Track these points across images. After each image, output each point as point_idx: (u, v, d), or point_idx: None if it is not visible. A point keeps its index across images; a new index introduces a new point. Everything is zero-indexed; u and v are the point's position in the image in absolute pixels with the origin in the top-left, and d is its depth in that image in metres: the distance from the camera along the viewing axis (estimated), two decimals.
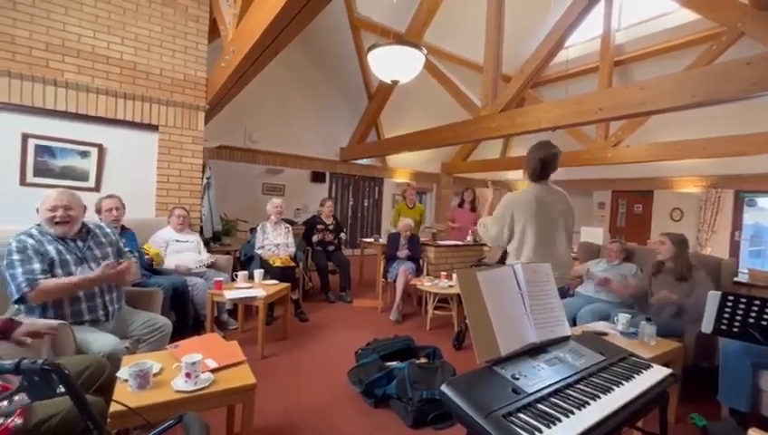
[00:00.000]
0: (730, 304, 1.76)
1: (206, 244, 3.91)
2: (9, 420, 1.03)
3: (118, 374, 1.45)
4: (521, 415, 0.95)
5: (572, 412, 0.97)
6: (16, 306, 1.80)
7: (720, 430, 2.07)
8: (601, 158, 6.88)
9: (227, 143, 6.49)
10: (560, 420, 0.93)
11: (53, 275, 1.81)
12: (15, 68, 2.95)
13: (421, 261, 4.55)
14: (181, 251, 3.27)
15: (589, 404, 1.01)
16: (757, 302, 1.70)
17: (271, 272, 3.55)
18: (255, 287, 3.07)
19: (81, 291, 1.86)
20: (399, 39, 5.69)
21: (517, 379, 1.07)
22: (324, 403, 2.29)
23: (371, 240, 5.63)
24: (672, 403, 2.15)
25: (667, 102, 3.13)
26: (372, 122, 7.57)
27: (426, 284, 3.82)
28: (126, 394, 1.33)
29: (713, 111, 5.27)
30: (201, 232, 3.98)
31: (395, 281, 4.13)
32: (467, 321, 1.16)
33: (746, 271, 3.47)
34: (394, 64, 3.72)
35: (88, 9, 3.23)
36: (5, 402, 1.00)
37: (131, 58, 3.45)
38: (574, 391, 1.07)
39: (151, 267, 3.00)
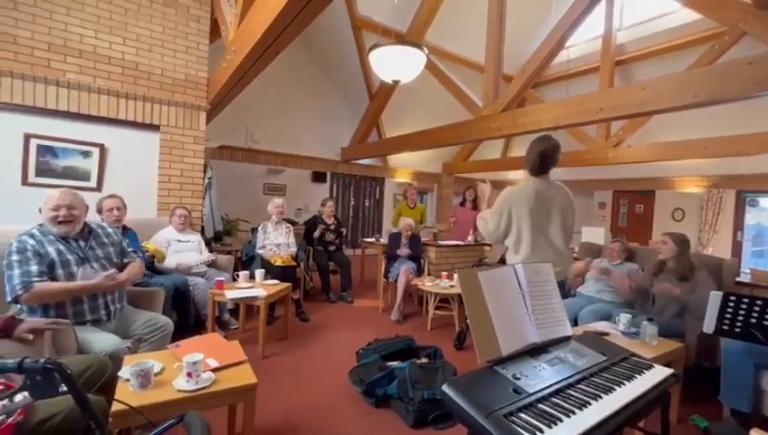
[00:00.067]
0: (732, 304, 1.75)
1: (208, 244, 3.92)
2: (11, 419, 1.03)
3: (119, 374, 1.45)
4: (522, 415, 0.95)
5: (574, 412, 0.97)
6: (18, 306, 1.80)
7: (721, 431, 2.07)
8: (602, 158, 6.87)
9: (229, 143, 6.50)
10: (561, 420, 0.93)
11: (54, 276, 1.81)
12: (17, 68, 2.96)
13: (422, 261, 4.55)
14: (182, 251, 3.28)
15: (590, 404, 1.01)
16: (759, 302, 1.70)
17: (272, 272, 3.56)
18: (256, 287, 3.07)
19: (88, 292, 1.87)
20: (401, 39, 5.70)
21: (518, 379, 1.07)
22: (325, 403, 2.29)
23: (372, 240, 5.63)
24: (674, 403, 2.15)
25: (668, 102, 3.13)
26: (373, 122, 7.57)
27: (427, 284, 3.82)
28: (127, 393, 1.33)
29: (714, 111, 5.26)
30: (202, 232, 3.98)
31: (396, 281, 4.13)
32: (468, 321, 1.16)
33: (748, 271, 3.46)
34: (395, 64, 3.72)
35: (90, 9, 3.24)
36: (7, 401, 1.00)
37: (133, 58, 3.46)
38: (575, 391, 1.07)
39: (152, 266, 3.01)
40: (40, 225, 1.90)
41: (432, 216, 9.65)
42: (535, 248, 2.04)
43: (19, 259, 1.74)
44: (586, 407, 1.00)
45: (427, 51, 3.76)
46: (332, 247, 4.77)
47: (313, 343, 3.26)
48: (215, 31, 3.89)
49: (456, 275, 3.86)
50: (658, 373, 1.22)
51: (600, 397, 1.05)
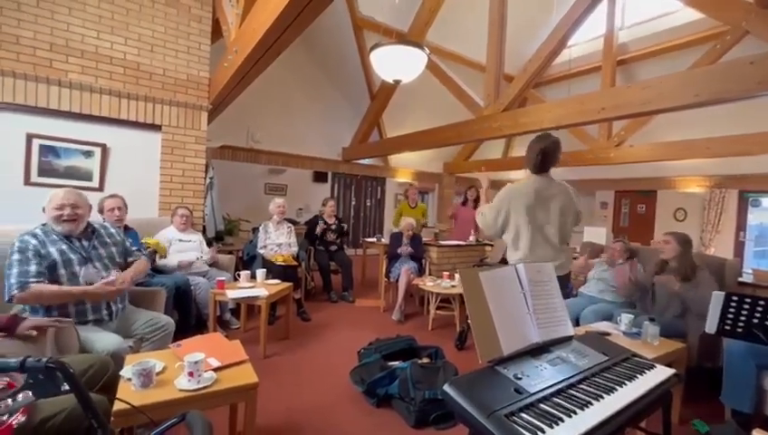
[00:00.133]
0: (734, 304, 1.74)
1: (209, 243, 3.92)
2: (13, 418, 1.03)
3: (121, 373, 1.46)
4: (523, 415, 0.95)
5: (575, 412, 0.97)
6: (21, 306, 1.81)
7: (723, 433, 2.06)
8: (604, 158, 6.86)
9: (230, 143, 6.51)
10: (562, 420, 0.93)
11: (56, 277, 1.82)
12: (20, 68, 2.97)
13: (423, 261, 4.54)
14: (184, 251, 3.28)
15: (591, 404, 1.01)
16: (762, 302, 1.69)
17: (273, 271, 3.56)
18: (258, 287, 3.07)
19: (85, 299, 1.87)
20: (402, 39, 5.69)
21: (520, 379, 1.07)
22: (326, 403, 2.30)
23: (373, 240, 5.63)
24: (675, 404, 2.14)
25: (670, 102, 3.12)
26: (374, 122, 7.57)
27: (428, 283, 3.82)
28: (129, 393, 1.33)
29: (716, 111, 5.25)
30: (204, 232, 3.99)
31: (397, 281, 4.13)
32: (470, 321, 1.16)
33: (750, 271, 3.44)
34: (396, 64, 3.72)
35: (91, 10, 3.25)
36: (10, 400, 1.01)
37: (135, 58, 3.47)
38: (577, 391, 1.07)
39: (153, 265, 3.01)
40: (43, 224, 1.91)
41: (433, 216, 9.64)
42: (534, 246, 2.05)
43: (19, 259, 1.75)
44: (587, 407, 1.00)
45: (428, 50, 3.76)
46: (334, 247, 4.78)
47: (315, 342, 3.27)
48: (216, 31, 3.90)
49: (457, 275, 3.86)
50: (660, 373, 1.21)
51: (602, 397, 1.05)
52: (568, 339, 1.34)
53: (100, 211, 2.81)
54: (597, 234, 4.44)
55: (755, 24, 3.91)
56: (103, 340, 1.76)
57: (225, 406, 1.69)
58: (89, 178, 3.35)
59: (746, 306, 1.72)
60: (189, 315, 3.01)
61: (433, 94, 6.72)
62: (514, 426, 0.90)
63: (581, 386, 1.10)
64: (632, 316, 2.24)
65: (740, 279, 2.94)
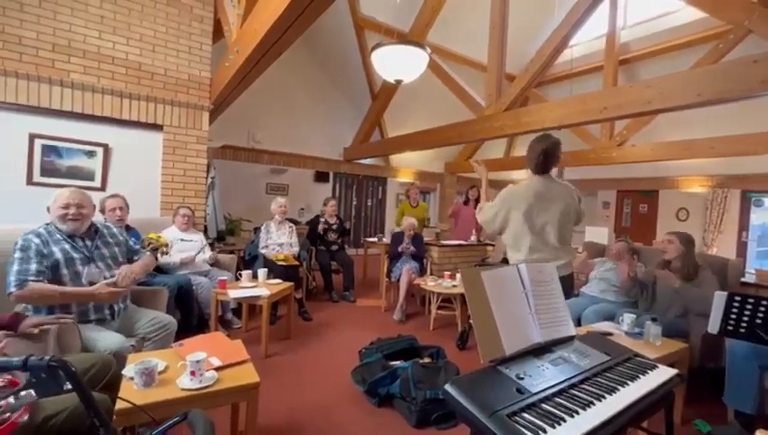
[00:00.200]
0: (737, 304, 1.74)
1: (211, 243, 3.93)
2: (15, 415, 1.04)
3: (123, 372, 1.46)
4: (525, 415, 0.95)
5: (577, 412, 0.96)
6: (24, 305, 1.82)
7: (725, 434, 2.05)
8: (606, 157, 6.84)
9: (231, 143, 6.52)
10: (564, 420, 0.93)
11: (59, 276, 1.82)
12: (22, 69, 2.98)
13: (425, 260, 4.54)
14: (185, 250, 3.29)
15: (594, 404, 1.01)
16: (765, 302, 1.69)
17: (275, 271, 3.56)
18: (259, 286, 3.08)
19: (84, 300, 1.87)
20: (403, 38, 5.67)
21: (522, 378, 1.07)
22: (328, 402, 2.30)
23: (375, 240, 5.63)
24: (677, 404, 2.14)
25: (673, 101, 3.11)
26: (376, 122, 7.57)
27: (429, 283, 3.81)
28: (132, 392, 1.34)
29: (719, 110, 5.23)
30: (205, 231, 4.00)
31: (398, 280, 4.13)
32: (471, 320, 1.16)
33: (753, 271, 3.44)
34: (398, 64, 3.72)
35: (93, 10, 3.25)
36: (12, 398, 1.01)
37: (136, 58, 3.48)
38: (579, 392, 1.07)
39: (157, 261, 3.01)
40: (47, 224, 1.92)
41: (435, 216, 9.64)
42: (534, 247, 2.06)
43: (21, 257, 1.76)
44: (589, 407, 0.99)
45: (429, 50, 3.76)
46: (335, 247, 4.78)
47: (316, 342, 3.27)
48: (218, 31, 3.91)
49: (458, 275, 3.86)
50: (662, 374, 1.21)
51: (604, 397, 1.04)
52: (570, 339, 1.34)
53: (102, 211, 2.81)
54: (599, 234, 4.44)
55: (758, 24, 3.89)
56: (106, 339, 1.77)
57: (226, 405, 1.69)
58: (91, 177, 3.36)
59: (749, 307, 1.72)
60: (191, 315, 3.02)
61: (434, 94, 6.71)
62: (516, 426, 0.90)
63: (583, 386, 1.10)
64: (634, 316, 2.23)
65: (743, 279, 2.93)
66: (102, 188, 3.36)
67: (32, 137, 3.12)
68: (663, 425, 1.27)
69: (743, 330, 1.74)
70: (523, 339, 1.20)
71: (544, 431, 0.89)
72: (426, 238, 4.91)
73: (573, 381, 1.11)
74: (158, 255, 2.29)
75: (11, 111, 3.03)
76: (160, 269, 3.10)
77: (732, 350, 2.09)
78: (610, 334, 2.04)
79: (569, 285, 2.13)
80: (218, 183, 4.82)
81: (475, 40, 6.08)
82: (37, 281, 1.74)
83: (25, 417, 1.09)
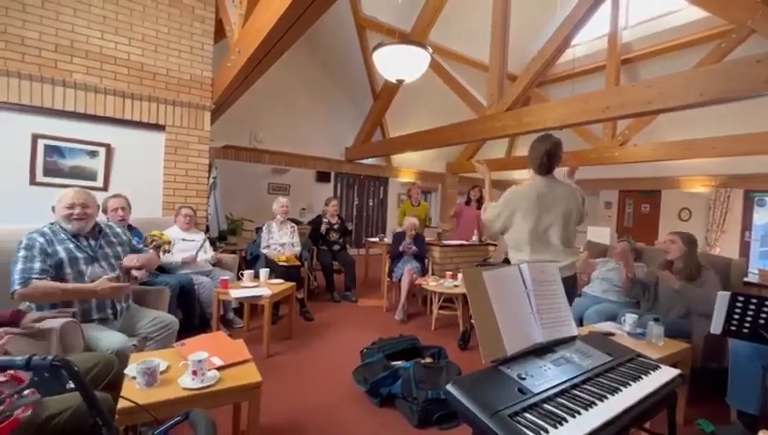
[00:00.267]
0: (740, 304, 1.73)
1: (213, 243, 3.94)
2: (18, 411, 1.04)
3: (126, 371, 1.46)
4: (527, 415, 0.95)
5: (579, 413, 0.96)
6: (27, 303, 1.83)
7: (729, 434, 2.04)
8: (608, 157, 6.82)
9: (233, 143, 6.53)
10: (566, 421, 0.93)
11: (62, 275, 1.83)
12: (25, 69, 2.99)
13: (426, 260, 4.54)
14: (187, 250, 3.30)
15: (596, 405, 1.01)
16: None
17: (276, 271, 3.57)
18: (261, 286, 3.08)
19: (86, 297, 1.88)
20: (405, 38, 5.68)
21: (523, 379, 1.07)
22: (329, 402, 2.30)
23: (376, 240, 5.63)
24: (680, 405, 2.13)
25: (675, 101, 3.10)
26: (377, 122, 7.57)
27: (431, 283, 3.81)
28: (134, 391, 1.34)
29: (721, 110, 5.22)
30: (207, 231, 4.01)
31: (400, 280, 4.12)
32: (473, 320, 1.16)
33: (756, 271, 3.42)
34: (399, 64, 3.72)
35: (96, 10, 3.26)
36: (16, 397, 1.02)
37: (138, 59, 3.49)
38: (581, 392, 1.07)
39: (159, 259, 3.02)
40: (51, 223, 1.94)
41: (436, 216, 9.64)
42: (536, 247, 2.06)
43: (25, 255, 1.78)
44: (592, 407, 0.99)
45: (431, 50, 3.76)
46: (336, 247, 4.78)
47: (317, 342, 3.27)
48: (219, 31, 3.91)
49: (460, 275, 3.85)
50: (665, 374, 1.21)
51: (606, 397, 1.04)
52: (572, 339, 1.33)
53: (104, 211, 2.82)
54: (601, 234, 4.43)
55: (761, 23, 3.87)
56: (108, 338, 1.77)
57: (228, 405, 1.70)
58: (93, 177, 3.37)
59: (752, 307, 1.71)
60: (193, 314, 3.03)
61: (436, 94, 6.71)
62: (518, 426, 0.90)
63: (585, 386, 1.10)
64: (636, 316, 2.23)
65: (746, 279, 2.92)
66: (105, 188, 3.37)
67: (35, 137, 3.13)
68: (666, 426, 1.27)
69: (746, 330, 1.73)
70: (524, 339, 1.20)
71: (546, 432, 0.89)
72: (427, 238, 4.91)
73: (575, 381, 1.11)
74: (161, 252, 2.30)
75: (14, 112, 3.04)
76: (162, 269, 3.11)
77: (735, 350, 2.08)
78: (612, 335, 2.03)
79: (572, 287, 2.13)
80: (220, 183, 4.83)
81: (477, 40, 6.07)
82: (41, 279, 1.75)
83: (28, 412, 1.10)
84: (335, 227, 4.79)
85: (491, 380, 1.08)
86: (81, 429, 1.21)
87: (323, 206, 4.96)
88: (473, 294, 1.17)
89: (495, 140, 8.08)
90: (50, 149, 3.20)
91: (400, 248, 4.35)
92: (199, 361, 1.41)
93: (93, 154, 3.38)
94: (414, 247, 4.36)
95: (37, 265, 1.77)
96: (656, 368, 1.24)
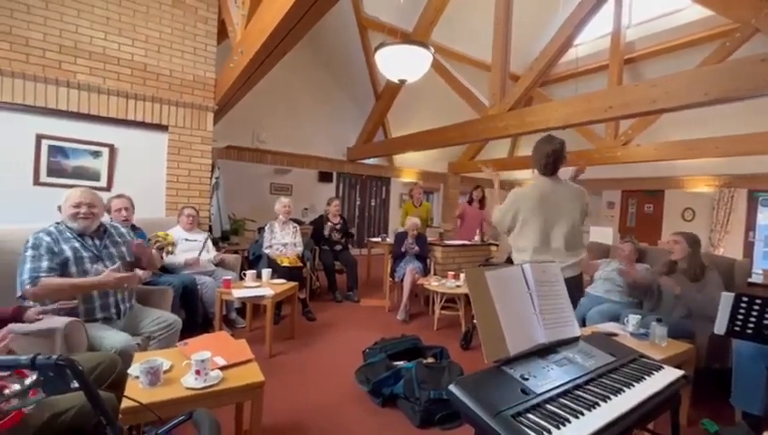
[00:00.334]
0: (744, 305, 1.72)
1: (215, 243, 3.95)
2: (23, 407, 1.05)
3: (129, 371, 1.47)
4: (530, 415, 0.95)
5: (582, 413, 0.96)
6: (30, 302, 1.84)
7: None
8: (611, 157, 6.80)
9: (236, 143, 6.54)
10: (569, 422, 0.93)
11: (67, 274, 1.84)
12: (29, 70, 3.01)
13: (428, 260, 4.54)
14: (190, 250, 3.31)
15: (599, 405, 1.00)
16: None
17: (278, 271, 3.57)
18: (263, 286, 3.09)
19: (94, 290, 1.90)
20: (407, 38, 5.68)
21: (526, 379, 1.07)
22: (332, 402, 2.30)
23: (378, 240, 5.63)
24: (684, 406, 2.12)
25: (679, 100, 3.08)
26: (379, 122, 7.57)
27: (433, 283, 3.81)
28: (137, 390, 1.35)
29: (725, 109, 5.18)
30: (210, 231, 4.02)
31: (402, 280, 4.12)
32: (475, 321, 1.16)
33: (760, 272, 3.41)
34: (401, 63, 3.72)
35: (99, 12, 3.28)
36: (18, 386, 1.02)
37: (142, 59, 3.50)
38: (584, 392, 1.06)
39: (162, 260, 3.03)
40: (57, 223, 1.95)
41: (438, 216, 9.63)
42: (539, 248, 2.06)
43: (33, 254, 1.79)
44: (594, 408, 0.99)
45: (433, 50, 3.75)
46: (338, 247, 4.78)
47: (320, 342, 3.27)
48: (222, 32, 3.92)
49: (462, 275, 3.85)
50: (668, 375, 1.20)
51: (609, 398, 1.04)
52: (575, 340, 1.33)
53: (108, 211, 2.83)
54: (603, 234, 4.41)
55: (765, 22, 3.84)
56: (111, 338, 1.78)
57: (231, 405, 1.70)
58: (97, 178, 3.39)
59: (756, 307, 1.70)
60: (196, 314, 3.03)
61: (438, 94, 6.70)
62: (521, 426, 0.90)
63: (588, 387, 1.10)
64: (639, 317, 2.22)
65: (749, 280, 2.90)
66: (108, 189, 3.39)
67: (38, 137, 3.14)
68: (669, 427, 1.26)
69: (749, 331, 1.73)
70: (527, 339, 1.20)
71: (549, 432, 0.89)
72: (429, 238, 4.91)
73: (578, 382, 1.10)
74: (164, 254, 2.31)
75: (18, 112, 3.06)
76: (165, 269, 3.12)
77: (738, 351, 2.06)
78: (615, 335, 2.03)
79: (576, 287, 2.13)
80: (223, 183, 4.84)
81: (479, 39, 6.07)
82: (49, 277, 1.77)
83: (32, 410, 1.11)
84: (337, 227, 4.80)
85: (493, 380, 1.08)
86: (85, 427, 1.21)
87: (326, 206, 4.97)
88: (475, 294, 1.17)
89: (498, 140, 8.06)
90: (53, 150, 3.21)
91: (402, 248, 4.35)
92: (202, 360, 1.41)
93: (97, 154, 3.39)
94: (416, 247, 4.36)
95: (45, 264, 1.79)
96: (659, 369, 1.23)
